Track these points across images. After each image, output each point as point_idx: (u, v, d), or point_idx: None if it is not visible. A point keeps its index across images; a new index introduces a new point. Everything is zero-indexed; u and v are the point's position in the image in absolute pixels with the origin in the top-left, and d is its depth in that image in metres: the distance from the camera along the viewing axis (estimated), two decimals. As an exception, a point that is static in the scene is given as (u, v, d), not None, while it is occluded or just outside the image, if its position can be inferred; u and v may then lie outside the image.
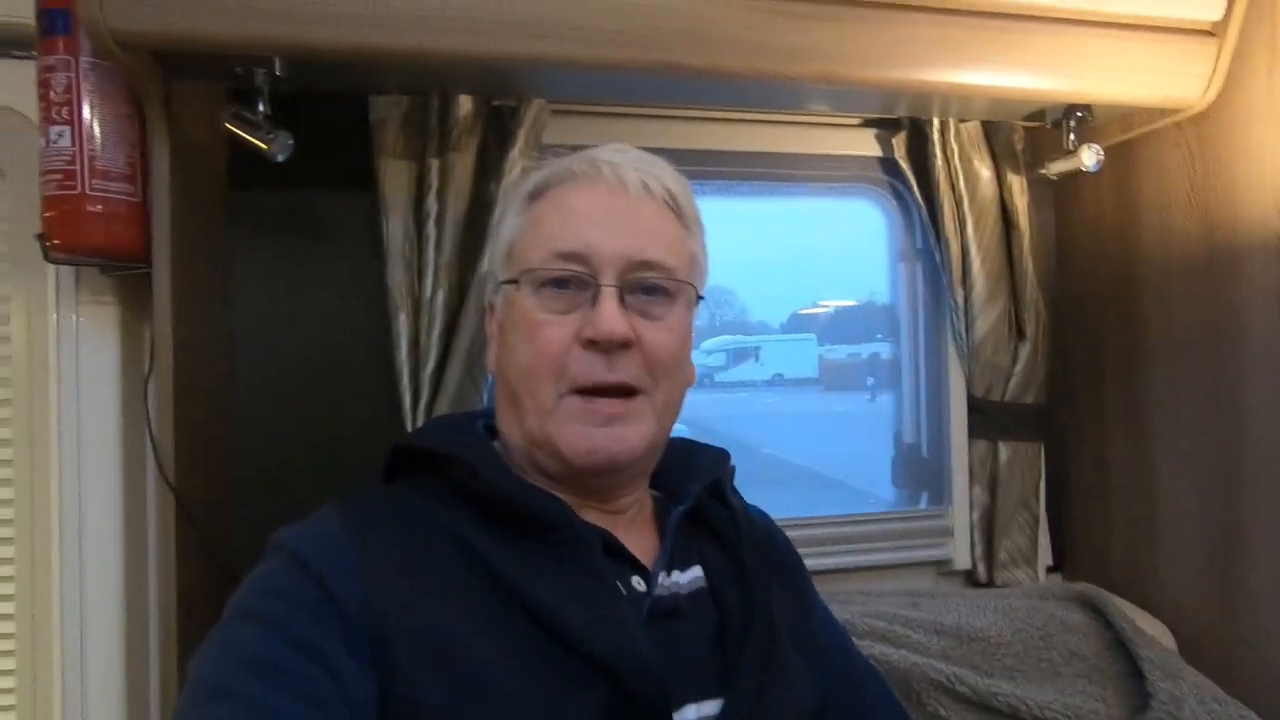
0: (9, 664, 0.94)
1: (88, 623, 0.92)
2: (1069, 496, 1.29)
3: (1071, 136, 1.07)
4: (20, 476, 0.94)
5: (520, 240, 0.66)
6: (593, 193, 0.65)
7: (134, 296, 0.94)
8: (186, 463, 0.85)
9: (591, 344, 0.61)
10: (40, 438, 0.92)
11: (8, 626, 0.94)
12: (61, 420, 0.92)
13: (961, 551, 1.24)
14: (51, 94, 0.80)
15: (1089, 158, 1.04)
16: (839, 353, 1.57)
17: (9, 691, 0.94)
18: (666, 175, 0.67)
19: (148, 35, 0.73)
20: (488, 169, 1.01)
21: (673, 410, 0.67)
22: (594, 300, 0.62)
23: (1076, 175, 1.12)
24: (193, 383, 0.87)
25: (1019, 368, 1.20)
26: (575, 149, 1.05)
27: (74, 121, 0.79)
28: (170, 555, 0.83)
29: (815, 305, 1.52)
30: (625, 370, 0.62)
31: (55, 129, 0.79)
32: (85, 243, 0.81)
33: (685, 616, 0.64)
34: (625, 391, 0.62)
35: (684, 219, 0.68)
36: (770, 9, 0.83)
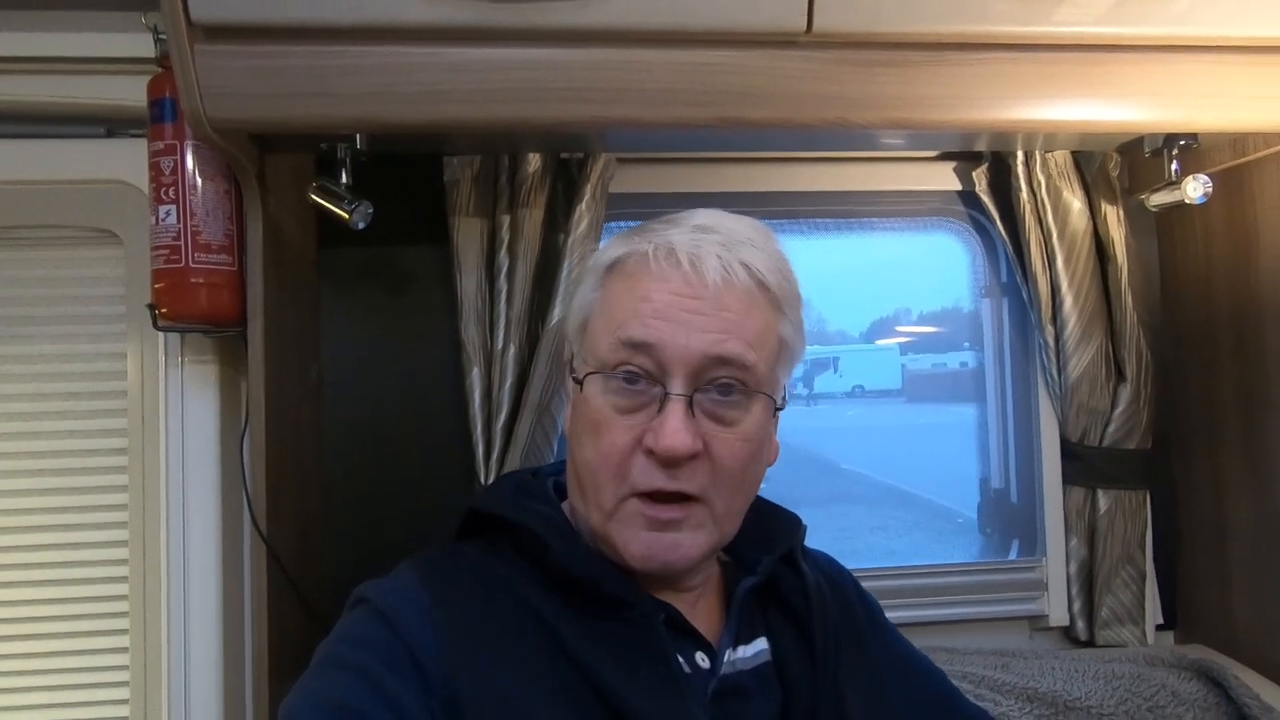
0: (124, 693, 1.02)
1: (191, 661, 0.99)
2: (1181, 550, 1.19)
3: (1174, 166, 0.99)
4: (134, 519, 1.02)
5: (593, 317, 0.64)
6: (667, 285, 0.60)
7: (231, 355, 1.01)
8: (277, 513, 0.90)
9: (653, 454, 0.58)
10: (151, 486, 1.00)
11: (122, 659, 1.02)
12: (168, 471, 0.99)
13: (1057, 606, 1.16)
14: (160, 175, 0.87)
15: (1194, 190, 0.96)
16: (923, 363, 1.51)
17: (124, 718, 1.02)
18: (755, 255, 0.62)
19: (242, 122, 0.78)
20: (556, 222, 1.03)
21: (738, 513, 0.64)
22: (661, 405, 0.59)
23: (1182, 204, 1.04)
24: (284, 437, 0.93)
25: (1119, 411, 1.12)
26: (641, 197, 1.09)
27: (180, 200, 0.86)
28: (263, 602, 0.88)
29: (898, 328, 1.45)
30: (688, 481, 0.59)
31: (164, 208, 0.86)
32: (189, 312, 0.87)
33: (750, 697, 0.63)
34: (683, 497, 0.60)
35: (773, 300, 0.62)
36: (836, 58, 0.81)
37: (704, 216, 0.64)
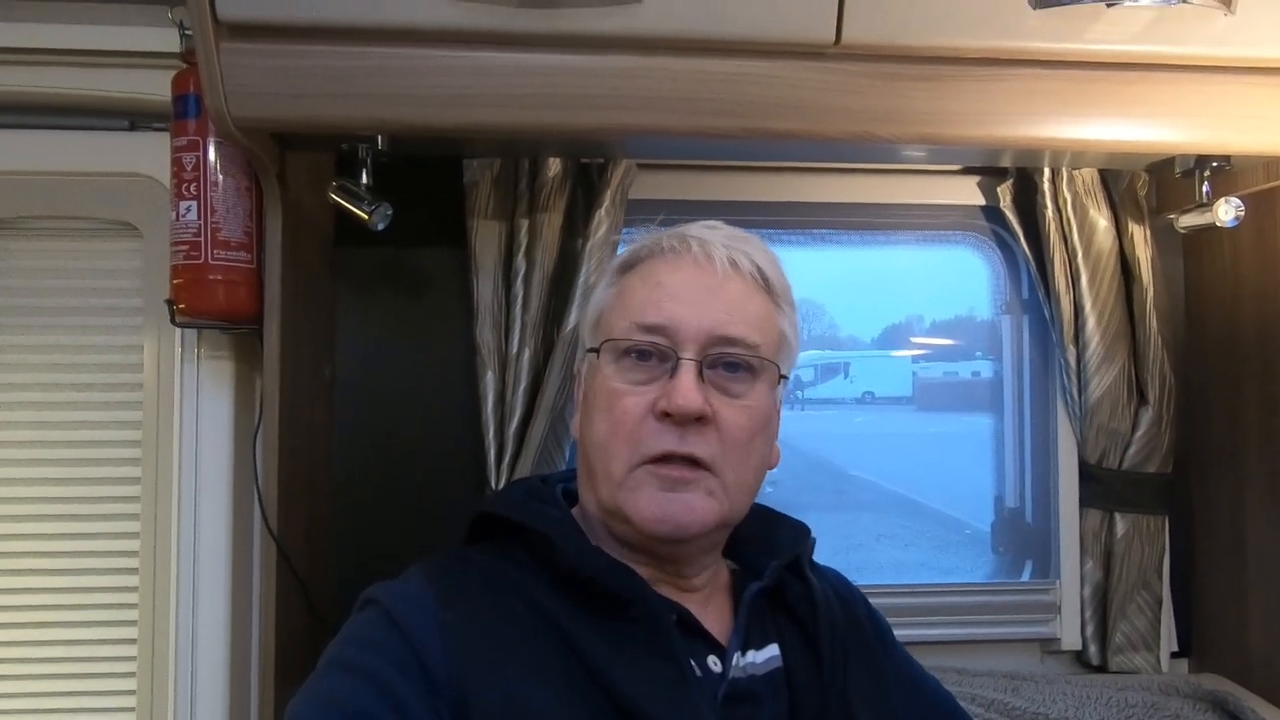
0: (130, 684, 1.02)
1: (199, 655, 1.00)
2: (1199, 577, 1.17)
3: (1205, 188, 0.97)
4: (145, 513, 1.02)
5: (607, 311, 0.68)
6: (679, 268, 0.66)
7: (247, 352, 1.01)
8: (288, 512, 0.90)
9: (666, 416, 0.61)
10: (164, 481, 1.00)
11: (130, 650, 1.02)
12: (181, 465, 1.00)
13: (1070, 630, 1.15)
14: (183, 171, 0.87)
15: (1226, 213, 0.94)
16: (934, 370, 1.49)
17: (130, 710, 1.02)
18: (756, 252, 0.67)
19: (265, 121, 0.78)
20: (575, 227, 1.02)
21: (746, 491, 0.66)
22: (673, 373, 0.62)
23: (1212, 226, 1.02)
24: (297, 435, 0.92)
25: (1140, 434, 1.10)
26: (661, 204, 1.08)
27: (200, 196, 0.86)
28: (271, 600, 0.87)
29: (912, 338, 1.44)
30: (697, 445, 0.61)
31: (185, 203, 0.86)
32: (207, 309, 0.87)
33: (761, 702, 0.63)
34: (693, 463, 0.62)
35: (773, 296, 0.68)
36: (865, 71, 0.80)
37: (709, 222, 0.70)
